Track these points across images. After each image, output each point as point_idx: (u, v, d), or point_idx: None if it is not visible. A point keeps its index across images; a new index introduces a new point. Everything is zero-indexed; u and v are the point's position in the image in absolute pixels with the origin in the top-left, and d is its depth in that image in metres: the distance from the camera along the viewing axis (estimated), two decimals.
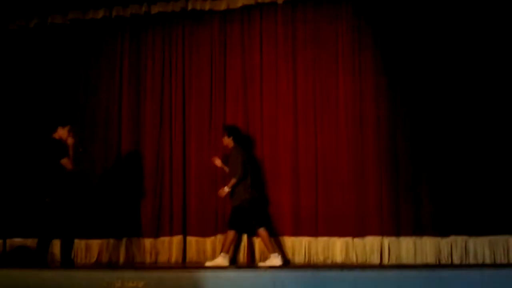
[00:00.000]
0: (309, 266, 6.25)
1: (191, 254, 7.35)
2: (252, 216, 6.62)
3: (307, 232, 7.04)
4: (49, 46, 8.20)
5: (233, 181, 6.64)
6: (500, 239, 6.40)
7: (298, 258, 7.00)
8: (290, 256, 7.04)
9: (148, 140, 7.79)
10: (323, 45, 7.37)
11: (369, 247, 6.77)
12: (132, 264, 7.29)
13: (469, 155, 6.62)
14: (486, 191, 6.49)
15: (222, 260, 6.51)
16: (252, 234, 7.04)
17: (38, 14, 8.22)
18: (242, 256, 7.15)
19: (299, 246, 7.04)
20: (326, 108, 7.27)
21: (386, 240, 6.73)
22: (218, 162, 6.91)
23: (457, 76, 6.77)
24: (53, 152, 6.29)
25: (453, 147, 6.69)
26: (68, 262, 6.30)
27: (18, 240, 7.54)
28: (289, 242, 7.09)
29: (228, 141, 6.87)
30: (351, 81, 7.19)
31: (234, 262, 6.97)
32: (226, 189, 6.64)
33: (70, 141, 6.38)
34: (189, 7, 7.83)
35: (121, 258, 7.48)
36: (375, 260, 6.69)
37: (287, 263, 6.81)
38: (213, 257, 6.90)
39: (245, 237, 7.15)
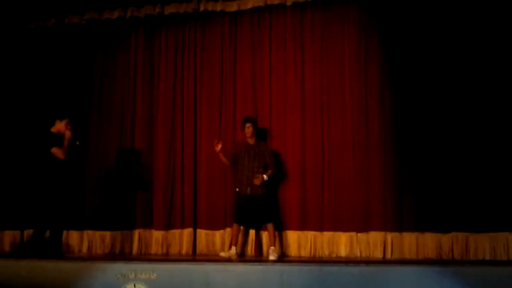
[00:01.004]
0: (315, 261, 6.21)
1: (201, 246, 7.35)
2: (265, 209, 6.61)
3: (313, 227, 7.03)
4: (66, 45, 8.18)
5: (270, 171, 6.63)
6: (500, 236, 6.36)
7: (304, 252, 6.98)
8: (296, 249, 7.03)
9: (161, 136, 7.76)
10: (330, 44, 7.35)
11: (372, 242, 6.75)
12: (144, 256, 7.29)
13: (471, 154, 6.56)
14: (486, 189, 6.44)
15: (232, 252, 6.54)
16: (259, 227, 7.02)
17: (56, 14, 8.19)
18: (250, 249, 7.14)
19: (305, 240, 7.02)
20: (333, 105, 7.24)
21: (389, 236, 6.71)
22: (219, 147, 6.72)
23: (461, 74, 6.72)
24: (49, 144, 6.26)
25: (455, 146, 6.63)
26: (57, 252, 6.28)
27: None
28: (295, 236, 7.07)
29: (252, 133, 6.80)
30: (357, 79, 7.16)
31: (242, 256, 6.96)
32: (265, 177, 6.56)
33: (68, 134, 6.33)
34: (201, 8, 7.80)
35: (134, 249, 7.49)
36: (379, 254, 6.68)
37: (282, 257, 6.80)
38: (222, 250, 6.93)
39: (253, 231, 7.12)
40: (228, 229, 7.14)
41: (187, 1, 7.83)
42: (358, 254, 6.78)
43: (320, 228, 7.00)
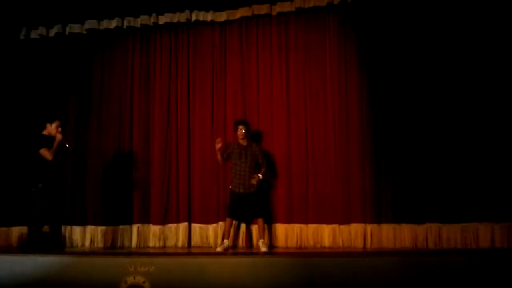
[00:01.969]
0: (302, 253, 6.19)
1: (196, 239, 7.33)
2: (257, 205, 6.59)
3: (298, 220, 7.03)
4: (67, 53, 8.11)
5: (263, 170, 6.62)
6: (470, 226, 6.39)
7: (291, 243, 6.99)
8: (283, 241, 7.03)
9: (157, 136, 7.72)
10: (312, 51, 7.34)
11: (353, 233, 6.76)
12: (143, 249, 7.26)
13: (442, 151, 6.58)
14: (457, 182, 6.47)
15: (225, 244, 6.50)
16: (250, 222, 7.00)
17: (58, 24, 8.09)
18: (241, 241, 7.14)
19: (292, 232, 7.02)
20: (315, 107, 7.24)
21: (369, 227, 6.71)
22: (219, 146, 6.57)
23: (434, 74, 6.73)
24: (38, 146, 6.19)
25: (427, 144, 6.65)
26: (58, 246, 6.24)
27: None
28: (283, 228, 7.07)
29: (244, 135, 6.72)
30: (337, 83, 7.16)
31: (234, 248, 6.95)
32: (261, 176, 6.56)
33: (58, 136, 6.26)
34: (193, 18, 7.76)
35: (133, 243, 7.46)
36: (359, 245, 6.68)
37: (271, 248, 6.80)
38: (215, 242, 6.91)
39: (243, 225, 7.10)
40: (221, 223, 7.13)
41: (180, 11, 7.79)
42: (341, 244, 6.79)
43: (306, 221, 7.01)
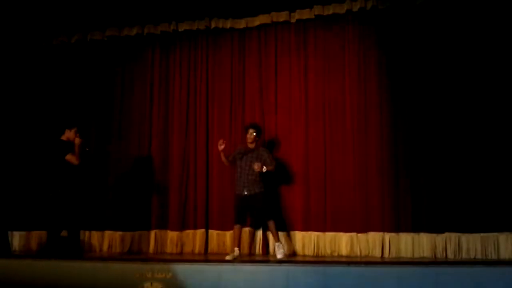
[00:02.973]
0: (319, 261, 6.11)
1: (213, 246, 7.32)
2: (263, 207, 6.50)
3: (316, 228, 6.97)
4: (88, 60, 8.19)
5: (270, 168, 6.50)
6: (490, 236, 6.26)
7: (308, 251, 6.93)
8: (300, 248, 6.97)
9: (175, 142, 7.73)
10: (331, 57, 7.29)
11: (371, 242, 6.68)
12: (160, 255, 7.26)
13: (463, 160, 6.48)
14: (478, 192, 6.34)
15: (236, 253, 6.36)
16: (260, 226, 6.95)
17: (79, 31, 8.20)
18: (258, 248, 7.12)
19: (309, 240, 6.97)
20: (334, 114, 7.18)
21: (387, 236, 6.63)
22: (222, 147, 6.58)
23: (455, 81, 6.62)
24: (60, 152, 6.25)
25: (448, 152, 6.54)
26: (77, 252, 6.25)
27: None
28: (299, 236, 7.02)
29: (254, 139, 6.64)
30: (356, 90, 7.09)
31: (251, 255, 6.93)
32: (264, 168, 6.41)
33: (77, 141, 6.30)
34: (212, 25, 7.79)
35: (151, 248, 7.46)
36: (377, 253, 6.60)
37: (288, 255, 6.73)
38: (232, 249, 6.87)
39: (259, 231, 7.11)
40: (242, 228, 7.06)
41: (199, 19, 7.82)
42: (358, 253, 6.71)
43: (323, 229, 6.94)
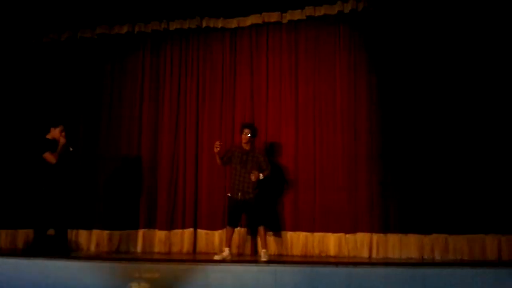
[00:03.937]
0: (306, 261, 6.11)
1: (201, 245, 7.28)
2: (256, 212, 6.43)
3: (304, 228, 6.96)
4: (78, 58, 8.13)
5: (266, 173, 6.41)
6: (477, 238, 6.30)
7: (296, 250, 6.92)
8: (289, 248, 6.97)
9: (165, 141, 7.70)
10: (322, 58, 7.30)
11: (359, 242, 6.68)
12: (148, 254, 7.23)
13: (450, 162, 6.50)
14: (466, 194, 6.38)
15: (225, 254, 6.28)
16: (253, 229, 6.90)
17: (69, 28, 8.14)
18: (248, 249, 7.10)
19: (297, 240, 6.96)
20: (324, 114, 7.18)
21: (375, 237, 6.64)
22: (217, 149, 6.35)
23: (444, 83, 6.65)
24: (42, 150, 6.19)
25: (434, 155, 6.56)
26: (65, 250, 6.23)
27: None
28: (288, 236, 7.01)
29: (249, 139, 6.50)
30: (347, 91, 7.10)
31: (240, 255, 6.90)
32: (261, 175, 6.31)
33: (62, 140, 6.26)
34: (204, 24, 7.76)
35: (139, 248, 7.41)
36: (365, 254, 6.61)
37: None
38: (221, 248, 6.82)
39: (248, 231, 7.09)
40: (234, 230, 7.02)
41: (191, 18, 7.78)
42: (346, 253, 6.71)
43: (311, 229, 6.94)
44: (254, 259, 6.55)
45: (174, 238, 7.37)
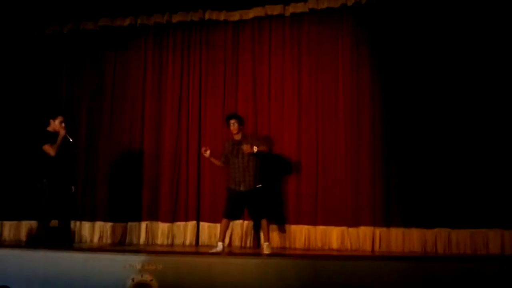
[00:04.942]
0: (309, 255, 6.11)
1: (204, 238, 7.29)
2: (258, 205, 6.34)
3: (307, 221, 6.96)
4: (80, 50, 8.12)
5: (263, 148, 6.23)
6: (480, 232, 6.28)
7: (299, 244, 6.92)
8: (291, 242, 6.96)
9: (167, 133, 7.70)
10: (325, 52, 7.26)
11: (362, 236, 6.67)
12: (151, 246, 7.24)
13: (453, 156, 6.48)
14: (469, 188, 6.36)
15: (219, 248, 6.14)
16: (252, 219, 6.89)
17: (72, 20, 8.12)
18: (249, 242, 7.11)
19: (300, 233, 6.96)
20: (327, 108, 7.16)
21: (378, 230, 6.63)
22: (207, 153, 6.31)
23: (447, 78, 6.62)
24: (42, 142, 6.17)
25: (438, 148, 6.55)
26: (68, 241, 6.23)
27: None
28: (290, 229, 7.01)
29: (238, 129, 6.38)
30: (349, 85, 7.06)
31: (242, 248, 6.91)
32: (255, 148, 6.11)
33: (61, 132, 6.21)
34: (206, 17, 7.73)
35: (142, 240, 7.44)
36: (368, 248, 6.60)
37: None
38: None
39: (251, 224, 7.08)
40: (230, 222, 7.01)
41: (193, 10, 7.76)
42: (349, 247, 6.71)
43: (314, 223, 6.93)
44: (256, 252, 6.56)
45: (176, 231, 7.39)
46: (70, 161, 6.74)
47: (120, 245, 7.32)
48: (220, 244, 6.16)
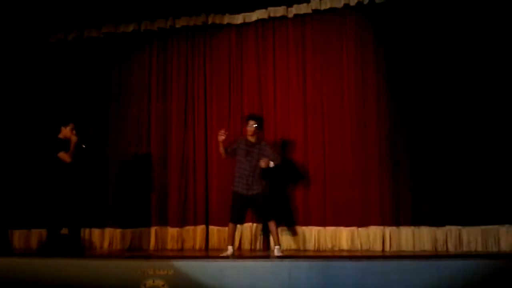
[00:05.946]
0: (320, 256, 6.11)
1: (213, 242, 7.30)
2: (263, 208, 6.27)
3: (316, 222, 6.96)
4: (85, 57, 8.16)
5: (277, 161, 6.12)
6: (491, 229, 6.26)
7: (309, 245, 6.92)
8: (301, 243, 6.97)
9: (174, 138, 7.72)
10: (329, 52, 7.26)
11: (372, 236, 6.67)
12: (161, 251, 7.26)
13: (462, 153, 6.47)
14: (478, 185, 6.33)
15: (229, 252, 6.09)
16: (260, 222, 6.92)
17: (76, 28, 8.17)
18: (259, 244, 7.12)
19: (309, 234, 6.96)
20: (333, 108, 7.16)
21: (388, 230, 6.63)
22: (222, 138, 6.12)
23: (452, 76, 6.61)
24: (55, 149, 6.21)
25: (447, 146, 6.53)
26: (78, 250, 6.23)
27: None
28: (300, 231, 7.01)
29: (254, 132, 6.22)
30: (355, 85, 7.07)
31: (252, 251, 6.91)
32: (271, 164, 6.04)
33: (73, 139, 6.25)
34: (210, 21, 7.76)
35: (152, 245, 7.45)
36: (378, 247, 6.60)
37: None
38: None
39: (259, 226, 7.10)
40: (239, 225, 6.94)
41: (196, 15, 7.78)
42: (359, 247, 6.70)
43: (323, 223, 6.93)
44: (267, 254, 6.56)
45: (186, 235, 7.40)
46: (82, 168, 6.77)
47: (130, 251, 7.34)
48: (230, 248, 6.12)
